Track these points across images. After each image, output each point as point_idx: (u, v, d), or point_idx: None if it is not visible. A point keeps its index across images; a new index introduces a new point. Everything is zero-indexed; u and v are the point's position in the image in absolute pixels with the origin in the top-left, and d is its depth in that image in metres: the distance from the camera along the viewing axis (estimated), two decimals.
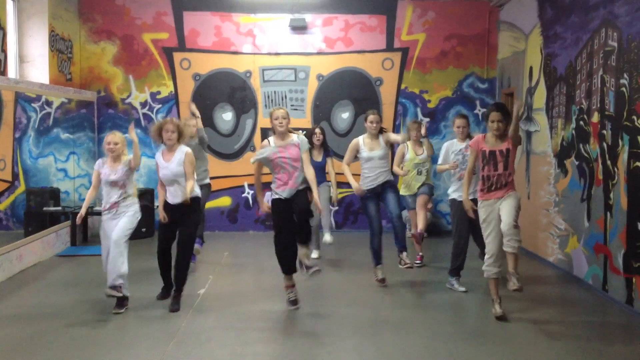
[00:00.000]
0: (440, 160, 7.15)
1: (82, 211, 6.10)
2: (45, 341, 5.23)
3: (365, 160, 6.94)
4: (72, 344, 5.17)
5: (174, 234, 6.37)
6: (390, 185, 7.00)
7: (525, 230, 8.92)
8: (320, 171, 7.91)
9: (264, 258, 8.45)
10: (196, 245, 7.35)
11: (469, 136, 7.02)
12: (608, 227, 6.50)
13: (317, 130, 8.24)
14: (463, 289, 6.80)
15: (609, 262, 6.47)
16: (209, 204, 10.14)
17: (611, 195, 6.44)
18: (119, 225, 6.01)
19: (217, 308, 6.19)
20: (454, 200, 6.89)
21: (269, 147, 6.10)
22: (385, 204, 6.98)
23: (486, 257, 5.91)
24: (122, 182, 6.08)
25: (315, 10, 10.32)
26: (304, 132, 9.49)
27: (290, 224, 6.06)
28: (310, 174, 6.09)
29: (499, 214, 5.77)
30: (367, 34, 10.36)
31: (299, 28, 10.28)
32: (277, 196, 6.09)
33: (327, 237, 8.27)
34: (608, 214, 6.50)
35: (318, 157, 8.11)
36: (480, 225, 5.91)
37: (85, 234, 9.60)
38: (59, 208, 9.01)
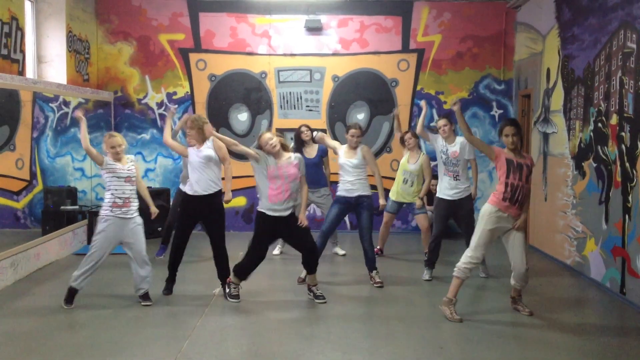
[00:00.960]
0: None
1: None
2: (61, 339, 5.26)
3: (340, 167, 7.08)
4: (87, 342, 5.20)
5: (193, 228, 6.63)
6: (366, 203, 6.99)
7: (542, 232, 8.89)
8: (315, 168, 7.91)
9: (274, 259, 8.46)
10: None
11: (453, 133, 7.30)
12: (626, 230, 6.43)
13: (303, 128, 8.17)
14: (427, 277, 7.28)
15: (627, 265, 6.40)
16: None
17: (630, 197, 6.38)
18: (142, 242, 6.15)
19: (232, 308, 6.20)
20: (440, 199, 7.24)
21: (271, 158, 6.15)
22: (359, 223, 7.10)
23: (467, 258, 5.86)
24: (134, 178, 6.16)
25: (331, 12, 10.32)
26: (317, 132, 9.52)
27: (269, 244, 6.40)
28: (304, 193, 6.36)
29: (506, 236, 5.86)
30: (382, 35, 10.34)
31: (315, 29, 10.29)
32: (268, 212, 6.14)
33: (338, 250, 8.38)
34: (626, 216, 6.44)
35: (311, 154, 8.05)
36: (482, 228, 5.82)
37: None
38: (76, 207, 9.07)
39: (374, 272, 7.15)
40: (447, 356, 4.96)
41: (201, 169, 6.41)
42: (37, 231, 8.00)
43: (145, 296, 6.24)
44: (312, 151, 8.08)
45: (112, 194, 6.07)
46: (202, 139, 6.45)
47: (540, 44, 9.11)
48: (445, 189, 7.19)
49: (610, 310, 6.33)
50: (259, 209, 6.23)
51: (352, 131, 7.06)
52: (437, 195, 7.31)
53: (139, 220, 6.20)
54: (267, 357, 4.96)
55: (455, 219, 7.42)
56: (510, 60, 10.34)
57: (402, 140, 8.10)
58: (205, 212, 6.49)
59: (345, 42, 10.35)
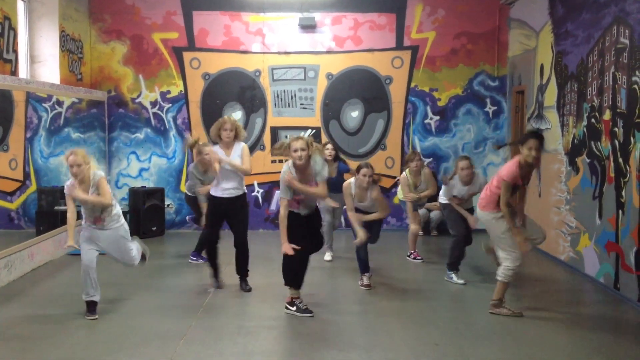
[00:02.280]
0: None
1: (71, 241, 5.69)
2: (56, 340, 5.25)
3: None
4: (83, 343, 5.19)
5: (221, 226, 6.81)
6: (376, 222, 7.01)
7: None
8: (335, 186, 7.48)
9: (274, 257, 8.46)
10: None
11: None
12: (620, 225, 6.45)
13: (329, 146, 7.94)
14: (462, 281, 7.04)
15: (621, 260, 6.43)
16: None
17: (623, 193, 6.40)
18: (123, 251, 5.98)
19: (227, 307, 6.20)
20: (443, 204, 7.35)
21: (293, 180, 5.70)
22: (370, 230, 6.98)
23: (511, 263, 5.87)
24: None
25: (325, 9, 10.31)
26: (313, 131, 9.48)
27: (305, 239, 5.90)
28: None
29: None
30: (376, 32, 10.34)
31: (308, 27, 10.28)
32: (295, 211, 5.88)
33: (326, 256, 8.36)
34: (620, 211, 6.46)
35: (332, 173, 7.84)
36: (502, 235, 5.88)
37: None
38: None
39: (366, 274, 7.01)
40: (442, 353, 4.97)
41: (229, 176, 6.64)
42: (31, 232, 7.97)
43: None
44: (333, 171, 7.87)
45: (82, 211, 5.81)
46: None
47: (533, 40, 9.12)
48: (447, 194, 7.33)
49: (604, 305, 6.35)
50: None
51: (364, 170, 6.75)
52: (440, 201, 7.45)
53: (122, 230, 5.97)
54: (263, 355, 4.97)
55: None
56: (504, 56, 10.36)
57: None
58: (234, 214, 6.75)
59: (339, 40, 10.35)
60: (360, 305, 6.32)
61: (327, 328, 5.54)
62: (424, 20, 10.33)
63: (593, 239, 7.09)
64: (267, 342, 5.27)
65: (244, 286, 6.81)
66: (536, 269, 7.88)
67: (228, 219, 6.79)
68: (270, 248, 8.77)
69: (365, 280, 6.95)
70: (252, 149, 10.31)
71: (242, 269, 6.88)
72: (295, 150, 5.67)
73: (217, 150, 6.67)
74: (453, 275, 7.12)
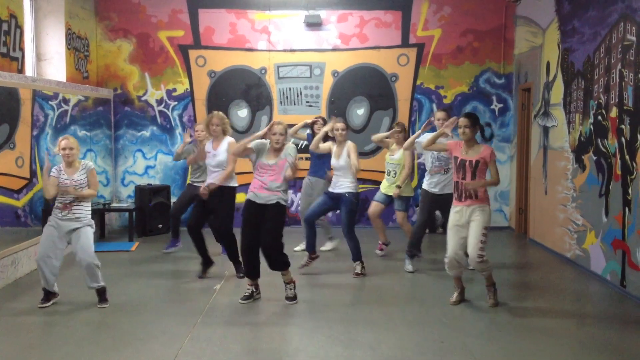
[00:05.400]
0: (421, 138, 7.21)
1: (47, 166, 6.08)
2: (62, 337, 5.27)
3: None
4: (88, 340, 5.21)
5: (205, 216, 7.05)
6: (345, 200, 7.09)
7: (542, 225, 8.89)
8: (318, 160, 8.02)
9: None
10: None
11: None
12: (626, 223, 6.43)
13: (320, 120, 8.22)
14: (411, 269, 7.40)
15: (627, 257, 6.41)
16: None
17: (630, 190, 6.37)
18: (83, 248, 5.99)
19: (233, 304, 6.21)
20: (424, 190, 7.34)
21: (264, 150, 6.15)
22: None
23: (445, 258, 6.10)
24: (77, 187, 6.02)
25: (330, 7, 10.30)
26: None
27: (254, 231, 6.10)
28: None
29: (467, 226, 5.97)
30: (382, 30, 10.33)
31: (314, 24, 10.27)
32: (251, 197, 6.17)
33: (328, 245, 8.55)
34: (626, 209, 6.44)
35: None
36: (447, 228, 6.08)
37: (102, 231, 9.67)
38: None
39: (357, 262, 7.30)
40: (448, 350, 4.97)
41: (216, 169, 7.04)
42: (38, 229, 7.97)
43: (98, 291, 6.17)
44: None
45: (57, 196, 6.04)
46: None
47: (540, 37, 9.09)
48: (433, 184, 7.27)
49: (610, 302, 6.33)
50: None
51: (338, 124, 7.18)
52: (423, 187, 7.39)
53: (89, 226, 6.09)
54: (269, 353, 4.97)
55: (442, 213, 7.54)
56: (510, 54, 10.33)
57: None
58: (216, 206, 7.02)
59: (345, 37, 10.34)
60: (365, 303, 6.32)
61: (332, 325, 5.54)
62: (430, 18, 10.31)
63: (599, 236, 7.07)
64: (273, 339, 5.27)
65: (240, 272, 7.04)
66: (542, 267, 7.87)
67: (212, 211, 7.03)
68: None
69: (358, 270, 7.25)
70: None
71: (231, 256, 7.14)
72: (274, 134, 6.06)
73: (206, 145, 7.15)
74: (407, 261, 7.46)
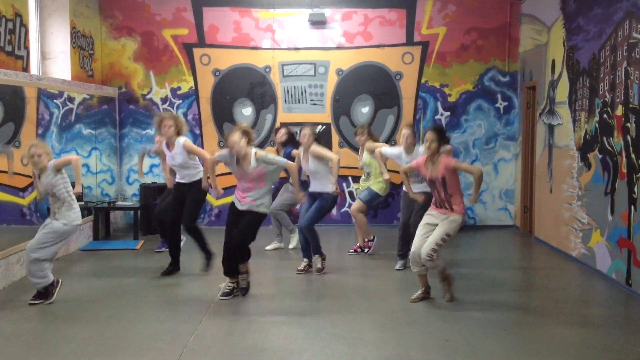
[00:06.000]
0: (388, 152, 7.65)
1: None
2: (68, 334, 5.28)
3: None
4: (93, 337, 5.22)
5: (181, 210, 7.15)
6: (323, 197, 7.21)
7: (547, 224, 8.87)
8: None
9: (282, 253, 8.48)
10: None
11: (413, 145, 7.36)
12: (632, 221, 6.41)
13: (282, 130, 8.38)
14: (398, 266, 7.43)
15: (633, 256, 6.39)
16: (229, 199, 10.20)
17: (635, 188, 6.35)
18: (40, 239, 6.04)
19: (237, 302, 6.21)
20: (405, 192, 7.31)
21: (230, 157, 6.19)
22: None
23: (409, 253, 6.20)
24: (51, 191, 6.07)
25: (335, 5, 10.29)
26: (323, 127, 9.55)
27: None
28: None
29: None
30: (386, 28, 10.31)
31: (318, 23, 10.26)
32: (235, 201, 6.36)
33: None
34: (632, 207, 6.42)
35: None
36: (419, 226, 6.16)
37: (107, 229, 9.70)
38: (82, 203, 9.07)
39: (304, 260, 7.40)
40: (452, 349, 4.96)
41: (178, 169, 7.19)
42: None
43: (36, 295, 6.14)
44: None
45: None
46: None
47: (545, 35, 9.06)
48: (414, 188, 7.18)
49: (616, 301, 6.31)
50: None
51: (305, 130, 7.27)
52: (404, 189, 7.41)
53: (57, 225, 6.08)
54: (273, 351, 4.97)
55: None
56: (515, 52, 10.30)
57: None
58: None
59: (350, 36, 10.33)
60: (368, 301, 6.31)
61: (336, 323, 5.54)
62: (435, 16, 10.29)
63: (605, 235, 7.05)
64: (277, 338, 5.27)
65: (207, 267, 7.26)
66: (547, 265, 7.85)
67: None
68: (266, 244, 8.77)
69: (318, 264, 7.33)
70: (262, 145, 10.34)
71: (201, 248, 7.26)
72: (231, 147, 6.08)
73: (164, 143, 7.17)
74: (398, 262, 7.50)
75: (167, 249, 8.03)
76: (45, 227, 6.08)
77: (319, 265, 7.32)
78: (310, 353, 4.90)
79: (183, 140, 7.01)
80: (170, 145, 7.06)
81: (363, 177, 8.25)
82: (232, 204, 6.35)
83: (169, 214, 7.34)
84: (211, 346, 5.02)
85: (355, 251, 8.36)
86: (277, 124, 9.87)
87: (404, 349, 4.96)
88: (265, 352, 4.94)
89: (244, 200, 6.23)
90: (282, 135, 8.33)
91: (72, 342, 5.10)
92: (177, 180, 7.24)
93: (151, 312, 5.90)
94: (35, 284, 6.08)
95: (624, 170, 6.59)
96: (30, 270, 6.04)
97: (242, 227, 6.20)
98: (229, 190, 10.32)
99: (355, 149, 10.08)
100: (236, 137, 6.03)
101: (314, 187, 7.28)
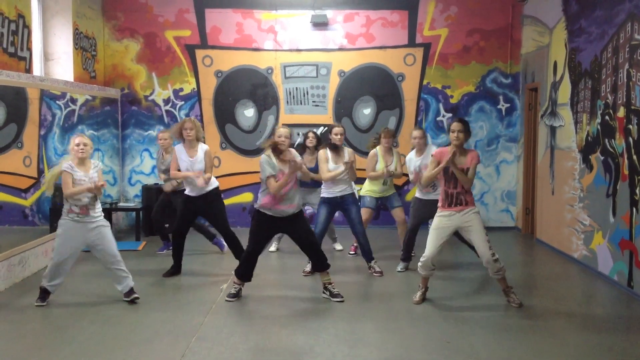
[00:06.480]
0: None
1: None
2: (69, 335, 5.29)
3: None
4: (95, 338, 5.23)
5: (192, 222, 7.26)
6: (351, 199, 7.20)
7: (549, 226, 8.87)
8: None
9: (285, 254, 8.49)
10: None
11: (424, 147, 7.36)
12: (634, 223, 6.40)
13: (310, 134, 8.02)
14: (399, 268, 7.45)
15: (635, 258, 6.38)
16: (231, 200, 10.25)
17: (637, 190, 6.35)
18: (110, 242, 6.09)
19: (239, 303, 6.22)
20: (417, 198, 7.36)
21: (272, 164, 6.04)
22: (349, 220, 7.27)
23: (422, 258, 6.11)
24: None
25: (337, 6, 10.30)
26: (325, 128, 9.56)
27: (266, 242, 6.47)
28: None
29: (456, 230, 6.06)
30: (388, 29, 10.32)
31: (320, 24, 10.27)
32: (268, 213, 6.14)
33: (336, 246, 8.65)
34: (634, 209, 6.41)
35: (312, 163, 7.77)
36: (430, 229, 6.11)
37: None
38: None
39: (372, 262, 7.35)
40: (454, 350, 4.96)
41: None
42: (45, 228, 8.03)
43: (130, 292, 6.19)
44: (313, 159, 7.82)
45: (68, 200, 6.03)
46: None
47: (547, 37, 9.06)
48: (423, 194, 7.29)
49: (617, 303, 6.31)
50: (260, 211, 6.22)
51: (336, 129, 7.19)
52: (416, 195, 7.43)
53: (105, 222, 6.15)
54: (275, 352, 4.98)
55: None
56: (517, 53, 10.30)
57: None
58: (207, 209, 7.21)
59: (352, 37, 10.34)
60: (370, 303, 6.32)
61: (337, 324, 5.55)
62: (437, 17, 10.30)
63: (607, 236, 7.04)
64: (279, 339, 5.28)
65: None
66: (549, 267, 7.85)
67: (202, 214, 7.29)
68: (282, 245, 8.77)
69: (377, 268, 7.30)
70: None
71: (236, 255, 7.21)
72: (280, 136, 6.06)
73: (180, 150, 7.07)
74: (400, 265, 7.50)
75: (170, 250, 8.07)
76: (102, 239, 6.05)
77: (377, 269, 7.32)
78: (312, 354, 4.90)
79: (207, 147, 7.09)
80: (189, 150, 7.02)
81: (383, 186, 7.77)
82: (270, 218, 6.13)
83: (177, 224, 7.21)
84: (213, 347, 5.02)
85: (355, 252, 8.36)
86: (279, 124, 9.86)
87: (405, 350, 4.96)
88: (267, 353, 4.94)
89: (293, 206, 6.13)
90: (311, 139, 7.97)
91: (73, 343, 5.11)
92: (187, 193, 7.12)
93: (153, 313, 5.90)
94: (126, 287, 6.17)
95: (626, 172, 6.59)
96: (119, 278, 6.18)
97: (307, 228, 6.26)
98: (229, 191, 10.35)
99: (357, 150, 10.08)
100: (293, 151, 6.17)
101: (338, 190, 7.15)
